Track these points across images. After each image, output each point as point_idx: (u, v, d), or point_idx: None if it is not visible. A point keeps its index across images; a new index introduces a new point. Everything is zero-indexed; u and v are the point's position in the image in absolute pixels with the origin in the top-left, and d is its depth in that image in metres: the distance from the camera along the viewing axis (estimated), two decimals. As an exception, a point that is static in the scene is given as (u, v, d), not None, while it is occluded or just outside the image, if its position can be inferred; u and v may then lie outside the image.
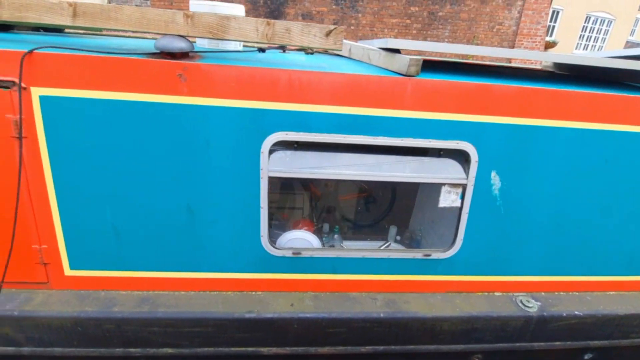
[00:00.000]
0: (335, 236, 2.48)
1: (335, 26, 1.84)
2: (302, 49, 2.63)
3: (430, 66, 2.27)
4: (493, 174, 1.93)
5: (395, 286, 2.08)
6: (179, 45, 1.81)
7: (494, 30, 11.55)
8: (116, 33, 2.97)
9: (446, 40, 11.53)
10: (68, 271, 1.88)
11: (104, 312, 1.80)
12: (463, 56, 7.92)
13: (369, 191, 2.73)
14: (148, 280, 1.92)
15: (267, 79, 1.66)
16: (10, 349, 1.86)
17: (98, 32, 2.92)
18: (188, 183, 1.78)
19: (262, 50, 2.37)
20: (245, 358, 1.99)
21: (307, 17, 11.24)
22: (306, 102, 1.71)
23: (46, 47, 1.61)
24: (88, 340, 1.85)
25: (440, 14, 11.29)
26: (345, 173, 1.84)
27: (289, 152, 1.83)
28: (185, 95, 1.66)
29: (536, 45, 11.68)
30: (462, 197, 1.96)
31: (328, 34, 1.89)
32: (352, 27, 11.39)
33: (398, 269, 2.05)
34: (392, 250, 2.04)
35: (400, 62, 1.85)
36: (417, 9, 11.23)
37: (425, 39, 11.49)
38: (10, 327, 1.80)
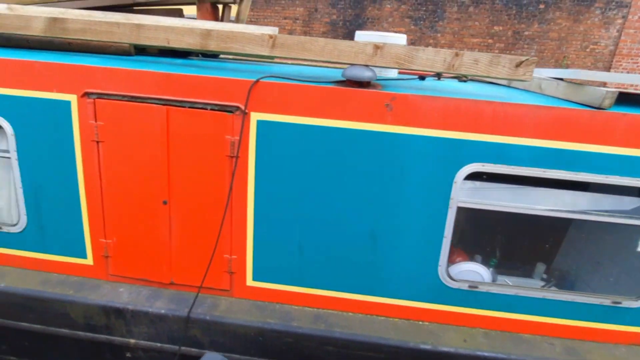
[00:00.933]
0: (491, 270, 2.37)
1: (526, 57, 1.80)
2: (456, 77, 2.62)
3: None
4: None
5: (574, 332, 1.92)
6: (368, 74, 1.89)
7: (587, 50, 10.73)
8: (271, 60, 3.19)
9: (531, 60, 10.91)
10: (250, 282, 2.01)
11: (286, 326, 1.88)
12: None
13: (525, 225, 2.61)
14: (321, 298, 1.98)
15: (472, 110, 1.67)
16: (194, 350, 2.00)
17: (248, 58, 3.17)
18: (375, 208, 1.82)
19: (422, 77, 2.40)
20: None
21: (384, 37, 11.34)
22: (508, 134, 1.68)
23: (269, 76, 1.77)
24: (265, 351, 1.94)
25: (526, 33, 10.78)
26: (540, 209, 1.76)
27: (477, 183, 1.81)
28: (389, 124, 1.71)
29: (638, 66, 10.60)
30: (666, 243, 1.78)
31: (518, 65, 1.85)
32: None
33: (579, 313, 1.90)
34: (577, 293, 1.89)
35: (592, 95, 1.75)
36: (501, 28, 10.83)
37: (507, 59, 10.98)
38: (200, 329, 1.95)
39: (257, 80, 1.74)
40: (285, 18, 11.80)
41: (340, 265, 1.92)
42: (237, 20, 2.95)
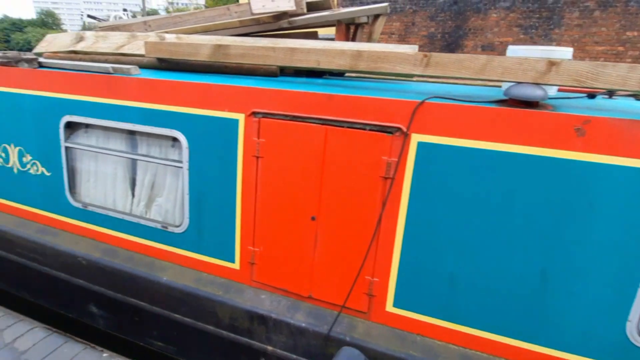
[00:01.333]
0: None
1: None
2: (632, 95, 2.25)
3: None
4: None
5: None
6: (540, 93, 1.70)
7: None
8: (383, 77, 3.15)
9: (678, 69, 9.07)
10: (390, 307, 1.93)
11: (432, 362, 1.75)
12: None
13: None
14: (470, 337, 1.80)
15: (698, 138, 1.36)
16: (328, 368, 1.99)
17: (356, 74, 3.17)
18: (550, 244, 1.60)
19: (592, 96, 2.10)
20: None
21: (487, 48, 10.63)
22: None
23: (434, 97, 1.71)
24: (405, 384, 1.83)
25: (672, 38, 9.03)
26: None
27: None
28: (577, 151, 1.50)
29: None
30: None
31: None
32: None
33: None
34: None
35: None
36: (635, 34, 9.28)
37: (644, 69, 9.32)
38: (337, 349, 1.93)
39: (423, 101, 1.69)
40: (381, 33, 11.85)
41: (498, 304, 1.73)
42: (370, 39, 2.99)
